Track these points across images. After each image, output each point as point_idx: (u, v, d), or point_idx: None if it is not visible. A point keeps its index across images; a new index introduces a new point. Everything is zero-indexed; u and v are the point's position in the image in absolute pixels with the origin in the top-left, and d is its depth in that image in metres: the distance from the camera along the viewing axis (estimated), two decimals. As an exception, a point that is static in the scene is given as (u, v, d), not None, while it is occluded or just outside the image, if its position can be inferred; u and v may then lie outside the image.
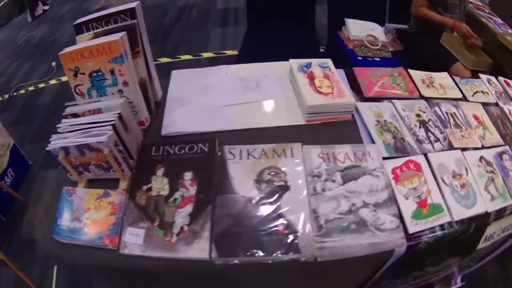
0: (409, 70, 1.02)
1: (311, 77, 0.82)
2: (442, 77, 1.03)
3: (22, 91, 2.68)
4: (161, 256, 0.55)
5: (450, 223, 0.68)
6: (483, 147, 0.82)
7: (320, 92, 0.77)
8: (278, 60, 0.93)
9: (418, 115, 0.84)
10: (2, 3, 4.03)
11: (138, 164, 0.66)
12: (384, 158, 0.69)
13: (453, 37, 1.70)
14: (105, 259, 0.58)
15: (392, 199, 0.64)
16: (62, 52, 0.66)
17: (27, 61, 3.04)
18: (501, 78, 1.10)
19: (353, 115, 0.79)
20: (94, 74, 0.67)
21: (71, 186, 0.64)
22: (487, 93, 1.02)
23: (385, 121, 0.78)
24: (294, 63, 0.85)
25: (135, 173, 0.65)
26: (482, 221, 0.72)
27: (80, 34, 0.69)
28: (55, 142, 0.61)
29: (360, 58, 1.44)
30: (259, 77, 0.84)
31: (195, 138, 0.69)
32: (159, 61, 2.54)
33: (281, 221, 0.57)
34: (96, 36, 0.67)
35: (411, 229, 0.63)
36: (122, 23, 0.68)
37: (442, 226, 0.67)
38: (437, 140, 0.80)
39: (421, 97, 0.92)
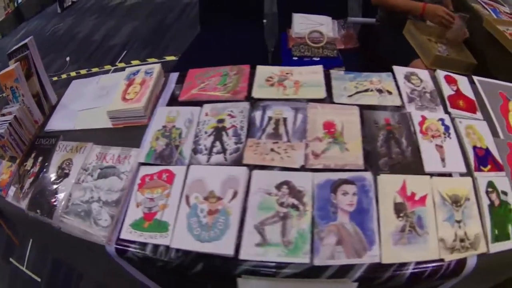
0: (259, 67, 0.97)
1: (129, 84, 0.96)
2: (310, 72, 0.96)
3: None
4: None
5: (168, 248, 0.66)
6: (316, 170, 0.74)
7: (125, 99, 0.91)
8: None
9: (220, 121, 0.85)
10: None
11: (27, 148, 1.01)
12: (144, 164, 0.80)
13: (420, 26, 1.44)
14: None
15: (124, 201, 0.76)
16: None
17: (49, 53, 3.36)
18: (440, 72, 0.99)
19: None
20: (11, 89, 1.04)
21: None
22: (389, 92, 0.91)
23: (173, 126, 0.86)
24: (128, 71, 1.01)
25: (24, 154, 1.02)
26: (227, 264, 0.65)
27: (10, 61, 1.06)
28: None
29: (295, 59, 1.35)
30: (111, 86, 1.03)
31: (56, 134, 0.98)
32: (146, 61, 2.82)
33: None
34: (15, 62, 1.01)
35: (123, 235, 0.70)
36: (20, 54, 1.03)
37: (156, 247, 0.67)
38: (223, 151, 0.78)
39: (249, 98, 0.89)
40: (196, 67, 1.05)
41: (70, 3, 4.58)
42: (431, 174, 0.77)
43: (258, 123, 0.84)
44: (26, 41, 1.02)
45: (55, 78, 2.90)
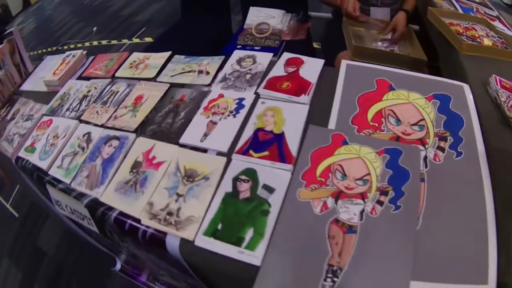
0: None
1: (62, 63, 1.35)
2: (159, 57, 1.13)
3: (65, 47, 3.36)
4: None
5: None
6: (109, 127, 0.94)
7: (54, 73, 1.29)
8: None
9: (89, 91, 1.11)
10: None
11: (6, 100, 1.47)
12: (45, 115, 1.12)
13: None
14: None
15: (28, 134, 1.08)
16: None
17: (81, 21, 3.64)
18: (286, 55, 0.99)
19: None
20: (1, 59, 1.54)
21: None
22: (207, 73, 0.99)
23: (67, 93, 1.17)
24: (66, 54, 1.39)
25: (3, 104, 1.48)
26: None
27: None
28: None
29: (239, 47, 1.46)
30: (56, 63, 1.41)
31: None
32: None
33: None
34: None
35: (20, 153, 1.02)
36: (9, 37, 1.51)
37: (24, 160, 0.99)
38: (78, 110, 1.05)
39: (113, 77, 1.13)
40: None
41: None
42: (184, 146, 0.81)
43: (103, 94, 1.07)
44: (11, 29, 1.49)
45: (79, 45, 3.27)
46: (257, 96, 0.89)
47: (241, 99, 0.88)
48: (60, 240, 1.71)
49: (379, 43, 1.32)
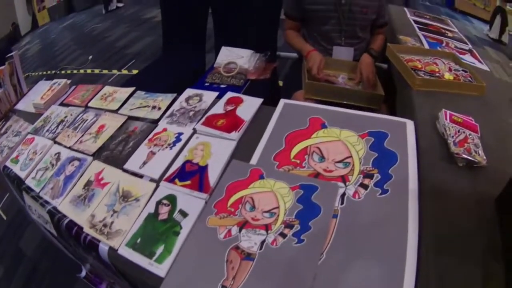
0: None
1: (49, 89, 1.48)
2: (124, 92, 1.25)
3: (63, 72, 3.59)
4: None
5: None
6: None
7: (42, 98, 1.43)
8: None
9: (66, 117, 1.25)
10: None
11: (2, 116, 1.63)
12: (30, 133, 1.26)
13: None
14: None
15: (16, 147, 1.21)
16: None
17: (79, 49, 3.89)
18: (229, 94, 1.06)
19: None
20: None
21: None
22: (158, 108, 1.09)
23: (49, 116, 1.30)
24: (54, 81, 1.52)
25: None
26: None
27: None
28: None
29: (206, 84, 1.57)
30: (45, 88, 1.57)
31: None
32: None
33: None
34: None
35: (7, 163, 1.15)
36: (9, 61, 1.70)
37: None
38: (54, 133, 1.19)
39: (86, 106, 1.25)
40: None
41: (114, 7, 5.13)
42: (127, 171, 0.92)
43: (76, 121, 1.20)
44: (12, 53, 1.68)
45: (75, 71, 3.57)
46: (194, 131, 0.96)
47: (180, 134, 0.96)
48: (39, 243, 1.82)
49: (340, 79, 1.32)
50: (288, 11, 1.48)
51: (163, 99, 1.12)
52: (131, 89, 1.22)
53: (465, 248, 0.64)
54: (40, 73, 3.95)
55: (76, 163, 1.00)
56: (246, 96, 1.03)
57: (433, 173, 0.78)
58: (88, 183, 0.92)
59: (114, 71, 3.58)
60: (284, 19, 1.53)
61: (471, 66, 1.23)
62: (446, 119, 0.90)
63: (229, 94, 1.06)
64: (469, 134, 0.87)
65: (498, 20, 4.52)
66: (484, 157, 0.80)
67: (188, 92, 1.11)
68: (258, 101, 1.00)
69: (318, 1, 1.35)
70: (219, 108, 1.01)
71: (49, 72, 3.84)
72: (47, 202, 0.94)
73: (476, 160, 0.79)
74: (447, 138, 0.85)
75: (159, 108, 1.08)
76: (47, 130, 1.20)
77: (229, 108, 1.00)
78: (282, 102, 0.98)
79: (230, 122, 0.94)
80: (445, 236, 0.66)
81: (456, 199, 0.73)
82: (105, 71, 3.63)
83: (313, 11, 1.37)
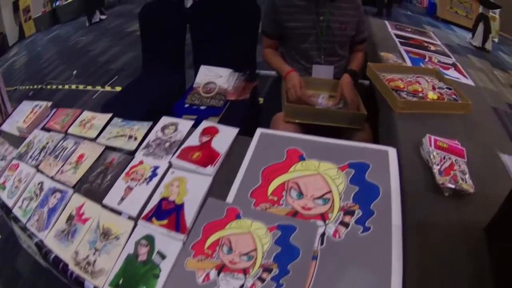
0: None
1: (31, 111, 1.44)
2: (101, 118, 1.21)
3: (49, 87, 3.60)
4: None
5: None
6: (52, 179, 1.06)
7: (24, 121, 1.40)
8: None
9: (47, 143, 1.22)
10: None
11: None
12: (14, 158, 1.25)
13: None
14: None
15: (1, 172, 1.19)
16: None
17: (64, 63, 3.93)
18: (204, 123, 1.03)
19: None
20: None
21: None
22: (135, 138, 1.06)
23: (32, 140, 1.28)
24: (36, 103, 1.49)
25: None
26: None
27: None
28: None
29: (186, 106, 1.54)
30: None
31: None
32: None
33: None
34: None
35: None
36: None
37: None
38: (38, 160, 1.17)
39: (66, 132, 1.23)
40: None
41: (98, 20, 5.11)
42: (106, 206, 0.90)
43: (56, 148, 1.18)
44: None
45: (60, 87, 3.59)
46: (170, 165, 0.93)
47: (156, 167, 0.94)
48: (35, 264, 1.69)
49: (320, 100, 1.29)
50: (265, 28, 1.45)
51: (139, 128, 1.09)
52: (109, 115, 1.20)
53: (453, 280, 0.62)
54: (27, 87, 3.93)
55: (58, 195, 1.00)
56: (221, 125, 1.01)
57: (417, 205, 0.76)
58: (70, 218, 0.92)
59: (98, 88, 3.56)
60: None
61: (456, 83, 1.22)
62: (430, 146, 0.87)
63: (204, 124, 1.03)
64: (455, 160, 0.84)
65: (481, 28, 4.60)
66: (472, 184, 0.78)
67: (164, 120, 1.08)
68: (233, 132, 0.98)
69: (296, 18, 1.32)
70: (194, 139, 0.98)
71: (35, 86, 3.82)
72: (34, 234, 0.95)
73: (463, 189, 0.77)
74: (432, 166, 0.83)
75: (135, 138, 1.05)
76: (30, 157, 1.20)
77: (205, 139, 0.97)
78: (259, 132, 0.95)
79: (205, 155, 0.92)
80: (431, 271, 0.64)
81: (442, 231, 0.71)
82: (89, 87, 3.62)
83: (291, 29, 1.34)
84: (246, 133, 0.97)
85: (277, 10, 1.33)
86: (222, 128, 1.00)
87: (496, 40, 4.95)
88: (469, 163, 0.83)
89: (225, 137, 0.96)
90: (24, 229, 0.98)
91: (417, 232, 0.71)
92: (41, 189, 1.05)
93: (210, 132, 0.99)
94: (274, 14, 1.35)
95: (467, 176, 0.80)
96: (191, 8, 1.87)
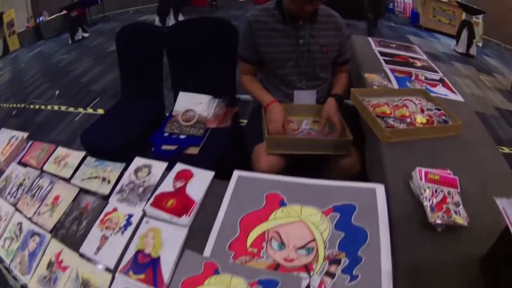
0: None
1: (7, 143, 1.37)
2: (75, 156, 1.16)
3: (31, 106, 3.59)
4: None
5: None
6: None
7: (2, 153, 1.34)
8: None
9: (24, 180, 1.17)
10: (55, 15, 4.61)
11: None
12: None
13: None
14: None
15: None
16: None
17: (47, 82, 3.84)
18: (178, 166, 0.99)
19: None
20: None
21: None
22: (108, 181, 1.02)
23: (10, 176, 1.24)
24: (12, 134, 1.42)
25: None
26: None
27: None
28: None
29: (166, 135, 1.47)
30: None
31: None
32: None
33: None
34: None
35: None
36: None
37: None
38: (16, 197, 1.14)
39: (41, 169, 1.18)
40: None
41: (80, 37, 5.02)
42: (84, 256, 0.87)
43: (33, 186, 1.13)
44: None
45: (43, 107, 3.57)
46: (144, 213, 0.89)
47: (130, 215, 0.89)
48: None
49: (304, 125, 1.24)
50: (242, 53, 1.35)
51: (112, 170, 1.04)
52: (82, 153, 1.16)
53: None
54: (11, 105, 3.87)
55: (37, 238, 0.99)
56: (196, 169, 0.96)
57: (408, 246, 0.71)
58: (50, 264, 0.91)
59: (80, 109, 3.54)
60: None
61: (445, 101, 1.17)
62: (421, 180, 0.82)
63: (178, 167, 0.98)
64: (448, 192, 0.79)
65: (465, 34, 4.67)
66: (465, 216, 0.74)
67: (137, 162, 1.03)
68: (209, 175, 0.93)
69: (274, 43, 1.26)
70: (168, 184, 0.93)
71: (18, 105, 3.77)
72: (18, 277, 0.94)
73: (457, 223, 0.72)
74: (423, 201, 0.78)
75: (109, 182, 1.01)
76: (9, 193, 1.17)
77: (179, 184, 0.92)
78: (236, 174, 0.91)
79: (180, 202, 0.87)
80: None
81: (436, 271, 0.68)
82: (71, 109, 3.58)
83: (268, 53, 1.28)
84: (228, 163, 0.92)
85: (254, 33, 1.26)
86: (197, 172, 0.95)
87: (480, 44, 5.04)
88: (463, 192, 0.79)
89: (200, 182, 0.91)
90: (8, 269, 0.98)
91: (409, 276, 0.67)
92: (20, 229, 1.03)
93: (184, 176, 0.94)
94: (250, 38, 1.28)
95: (460, 207, 0.76)
96: (169, 32, 1.79)
